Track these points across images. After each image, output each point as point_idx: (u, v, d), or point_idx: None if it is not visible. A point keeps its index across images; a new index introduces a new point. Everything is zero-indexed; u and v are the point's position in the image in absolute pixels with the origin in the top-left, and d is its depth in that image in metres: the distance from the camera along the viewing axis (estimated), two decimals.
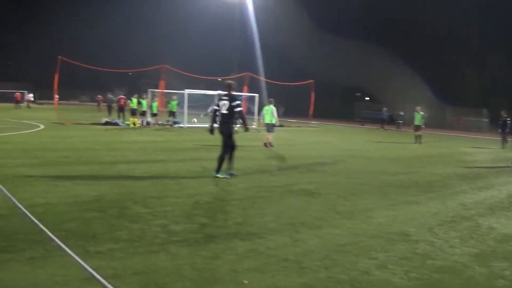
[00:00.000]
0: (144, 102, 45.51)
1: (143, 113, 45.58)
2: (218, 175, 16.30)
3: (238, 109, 16.59)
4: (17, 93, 74.32)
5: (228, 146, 16.64)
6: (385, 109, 65.50)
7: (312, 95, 60.87)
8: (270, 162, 21.65)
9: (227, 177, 16.34)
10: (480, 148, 36.31)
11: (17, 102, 74.70)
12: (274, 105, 28.87)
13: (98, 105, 78.03)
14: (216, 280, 7.32)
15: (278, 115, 29.66)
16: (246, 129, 17.40)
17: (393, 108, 77.42)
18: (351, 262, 8.31)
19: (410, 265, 8.35)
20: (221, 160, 16.47)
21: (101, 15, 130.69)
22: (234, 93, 17.11)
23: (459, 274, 8.14)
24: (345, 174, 18.88)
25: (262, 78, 58.21)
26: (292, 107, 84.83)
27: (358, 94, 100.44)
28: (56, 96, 51.05)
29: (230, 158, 16.88)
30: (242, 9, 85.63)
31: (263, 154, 24.25)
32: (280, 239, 9.49)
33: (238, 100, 16.97)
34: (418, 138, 37.38)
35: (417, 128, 37.97)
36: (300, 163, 21.65)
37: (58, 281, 6.94)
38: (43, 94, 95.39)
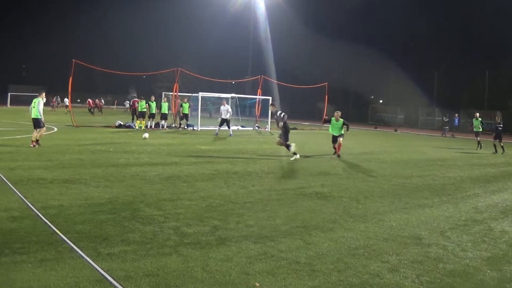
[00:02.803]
0: (153, 104, 45.52)
1: (152, 116, 45.59)
2: None
3: None
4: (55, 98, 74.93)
5: None
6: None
7: (326, 98, 60.72)
8: (282, 165, 21.59)
9: None
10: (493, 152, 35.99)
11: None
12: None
13: (96, 108, 78.90)
14: (228, 282, 7.33)
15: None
16: None
17: (408, 111, 77.36)
18: (363, 265, 8.30)
19: (422, 269, 8.33)
20: None
21: (115, 19, 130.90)
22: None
23: (470, 277, 8.12)
24: (358, 177, 18.84)
25: (276, 81, 58.12)
26: (305, 110, 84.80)
27: (372, 97, 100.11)
28: (68, 101, 51.25)
29: None
30: (256, 12, 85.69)
31: (275, 157, 24.19)
32: (292, 242, 9.48)
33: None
34: (479, 144, 37.27)
35: (477, 134, 37.88)
36: (313, 165, 21.61)
37: (70, 282, 6.98)
38: (58, 96, 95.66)
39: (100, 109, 75.70)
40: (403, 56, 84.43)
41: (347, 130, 26.84)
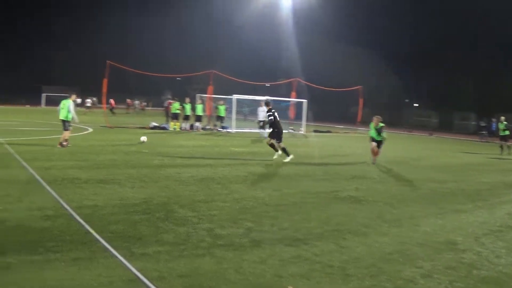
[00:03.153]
0: (187, 106, 45.62)
1: (186, 118, 45.69)
2: None
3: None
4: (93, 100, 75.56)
5: None
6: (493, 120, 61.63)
7: (360, 101, 60.47)
8: (316, 168, 21.50)
9: None
10: None
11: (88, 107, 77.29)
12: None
13: (128, 108, 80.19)
14: (261, 285, 7.31)
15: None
16: None
17: (443, 115, 76.85)
18: (396, 271, 8.22)
19: (456, 275, 8.23)
20: None
21: (149, 20, 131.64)
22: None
23: (504, 285, 8.03)
24: (393, 181, 18.73)
25: (310, 84, 57.98)
26: (340, 113, 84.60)
27: (406, 100, 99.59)
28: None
29: None
30: (290, 14, 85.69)
31: (309, 160, 24.12)
32: (326, 245, 9.43)
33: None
34: (505, 149, 36.79)
35: (502, 138, 37.41)
36: (347, 169, 21.52)
37: (103, 281, 7.00)
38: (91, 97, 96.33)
39: (111, 109, 75.96)
40: (439, 59, 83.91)
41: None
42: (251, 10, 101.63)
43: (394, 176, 20.11)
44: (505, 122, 37.47)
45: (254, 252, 8.72)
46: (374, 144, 24.47)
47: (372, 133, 24.82)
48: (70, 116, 24.37)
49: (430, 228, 11.40)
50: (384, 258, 8.89)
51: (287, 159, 22.94)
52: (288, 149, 23.18)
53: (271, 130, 23.59)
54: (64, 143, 24.19)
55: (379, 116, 24.97)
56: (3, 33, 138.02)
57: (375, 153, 24.43)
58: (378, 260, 8.75)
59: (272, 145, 23.47)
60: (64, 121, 24.52)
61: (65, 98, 25.05)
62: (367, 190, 16.15)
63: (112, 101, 73.38)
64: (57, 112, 24.76)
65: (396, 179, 19.34)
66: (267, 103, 24.84)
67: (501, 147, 36.78)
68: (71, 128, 24.92)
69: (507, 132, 37.10)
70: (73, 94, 25.81)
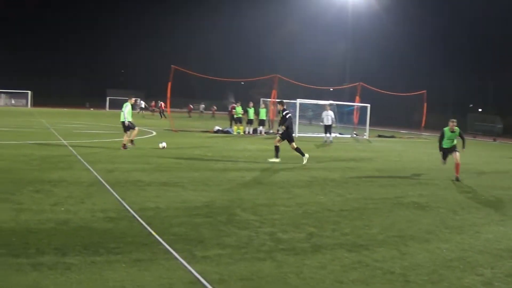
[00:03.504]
0: (251, 110, 45.73)
1: (249, 122, 45.81)
2: None
3: None
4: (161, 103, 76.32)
5: None
6: None
7: (424, 106, 59.84)
8: (380, 173, 21.28)
9: None
10: None
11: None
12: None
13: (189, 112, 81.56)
14: None
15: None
16: None
17: (508, 120, 75.67)
18: (457, 278, 8.08)
19: None
20: None
21: (214, 26, 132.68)
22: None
23: None
24: (456, 188, 18.39)
25: (374, 88, 57.65)
26: (404, 118, 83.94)
27: (470, 105, 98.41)
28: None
29: None
30: (355, 18, 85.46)
31: (373, 165, 23.90)
32: (387, 251, 9.31)
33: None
34: None
35: None
36: (411, 175, 21.24)
37: (163, 283, 7.04)
38: (155, 101, 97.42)
39: (161, 112, 76.27)
40: (504, 64, 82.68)
41: (463, 146, 21.17)
42: (315, 14, 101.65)
43: (458, 183, 19.74)
44: None
45: (315, 257, 8.65)
46: (443, 159, 21.86)
47: (446, 142, 21.22)
48: (127, 118, 24.73)
49: (492, 235, 11.16)
50: (445, 265, 8.75)
51: (304, 160, 22.89)
52: (302, 149, 22.94)
53: (283, 130, 23.19)
54: (129, 145, 24.53)
55: (454, 120, 21.35)
56: (68, 40, 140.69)
57: (456, 168, 20.56)
58: (439, 267, 8.62)
59: (277, 148, 23.18)
60: (123, 123, 25.04)
61: (126, 101, 25.41)
62: (430, 196, 15.93)
63: (162, 104, 74.02)
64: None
65: (459, 186, 18.99)
66: (281, 103, 24.29)
67: None
68: (133, 129, 25.15)
69: None
70: (132, 97, 26.14)
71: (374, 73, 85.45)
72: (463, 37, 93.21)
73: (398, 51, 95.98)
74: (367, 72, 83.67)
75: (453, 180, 19.96)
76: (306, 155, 23.01)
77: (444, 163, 21.96)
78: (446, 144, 21.26)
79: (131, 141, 25.06)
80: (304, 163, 22.41)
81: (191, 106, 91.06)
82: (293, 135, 24.02)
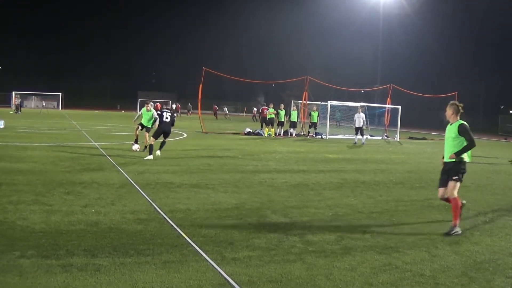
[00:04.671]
0: (282, 112, 45.77)
1: (280, 124, 45.81)
2: None
3: None
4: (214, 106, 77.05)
5: None
6: None
7: None
8: (410, 175, 21.13)
9: None
10: None
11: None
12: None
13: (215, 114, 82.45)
14: None
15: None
16: None
17: None
18: (487, 280, 8.01)
19: None
20: None
21: (245, 28, 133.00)
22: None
23: None
24: (487, 190, 18.19)
25: (405, 90, 57.33)
26: (435, 120, 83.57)
27: (502, 106, 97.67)
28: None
29: None
30: (386, 19, 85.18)
31: (403, 167, 23.77)
32: (417, 254, 9.25)
33: None
34: None
35: None
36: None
37: (193, 285, 7.06)
38: (186, 103, 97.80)
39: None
40: None
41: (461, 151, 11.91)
42: (346, 15, 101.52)
43: (488, 185, 19.55)
44: None
45: (345, 260, 8.61)
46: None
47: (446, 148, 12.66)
48: (149, 123, 25.56)
49: None
50: (475, 267, 8.69)
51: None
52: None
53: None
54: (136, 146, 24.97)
55: (454, 103, 19.91)
56: (99, 43, 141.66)
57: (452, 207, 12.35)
58: (469, 269, 8.54)
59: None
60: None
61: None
62: (460, 198, 15.79)
63: (178, 106, 74.42)
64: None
65: (490, 188, 18.79)
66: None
67: None
68: (146, 132, 25.43)
69: None
70: (149, 103, 26.57)
71: (405, 74, 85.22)
72: (494, 37, 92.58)
73: (429, 52, 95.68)
74: (398, 73, 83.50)
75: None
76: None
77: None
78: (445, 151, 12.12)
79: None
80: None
81: (216, 107, 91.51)
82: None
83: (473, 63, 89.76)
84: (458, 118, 11.68)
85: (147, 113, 25.44)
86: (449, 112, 11.77)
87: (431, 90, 68.09)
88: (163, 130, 22.63)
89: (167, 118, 22.84)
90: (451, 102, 11.98)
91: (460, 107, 11.71)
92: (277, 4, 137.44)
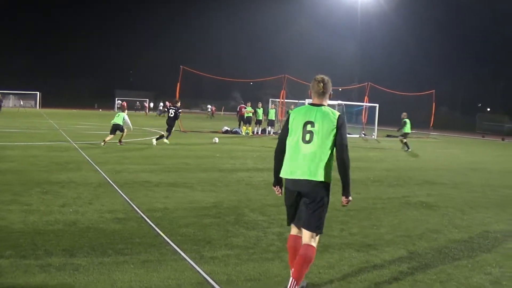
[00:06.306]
0: (260, 111, 45.85)
1: (258, 122, 45.88)
2: None
3: None
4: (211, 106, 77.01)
5: None
6: None
7: (433, 105, 59.70)
8: (388, 173, 21.25)
9: None
10: None
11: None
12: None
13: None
14: None
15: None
16: None
17: None
18: (465, 277, 8.09)
19: None
20: None
21: (223, 26, 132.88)
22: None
23: None
24: (465, 187, 18.33)
25: (382, 88, 57.48)
26: (412, 118, 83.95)
27: (479, 105, 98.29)
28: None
29: None
30: (364, 18, 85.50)
31: (381, 165, 23.89)
32: (395, 251, 9.32)
33: None
34: None
35: None
36: (419, 174, 21.22)
37: (171, 284, 7.08)
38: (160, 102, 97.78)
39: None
40: None
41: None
42: (323, 14, 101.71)
43: (466, 182, 19.70)
44: None
45: (323, 257, 8.66)
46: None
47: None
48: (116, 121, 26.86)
49: (501, 234, 11.14)
50: (453, 264, 8.77)
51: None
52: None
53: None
54: (119, 143, 26.37)
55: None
56: (76, 41, 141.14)
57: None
58: (447, 266, 8.64)
59: None
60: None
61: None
62: (438, 196, 15.91)
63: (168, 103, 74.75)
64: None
65: (468, 185, 18.94)
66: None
67: None
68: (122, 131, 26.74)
69: None
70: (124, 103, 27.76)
71: (382, 73, 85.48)
72: (472, 36, 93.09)
73: (407, 50, 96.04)
74: (376, 72, 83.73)
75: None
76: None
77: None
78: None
79: (119, 140, 26.76)
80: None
81: (214, 107, 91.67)
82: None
83: (451, 61, 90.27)
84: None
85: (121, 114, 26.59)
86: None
87: (410, 89, 68.34)
88: (167, 123, 29.85)
89: (171, 114, 29.82)
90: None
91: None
92: (256, 3, 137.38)
